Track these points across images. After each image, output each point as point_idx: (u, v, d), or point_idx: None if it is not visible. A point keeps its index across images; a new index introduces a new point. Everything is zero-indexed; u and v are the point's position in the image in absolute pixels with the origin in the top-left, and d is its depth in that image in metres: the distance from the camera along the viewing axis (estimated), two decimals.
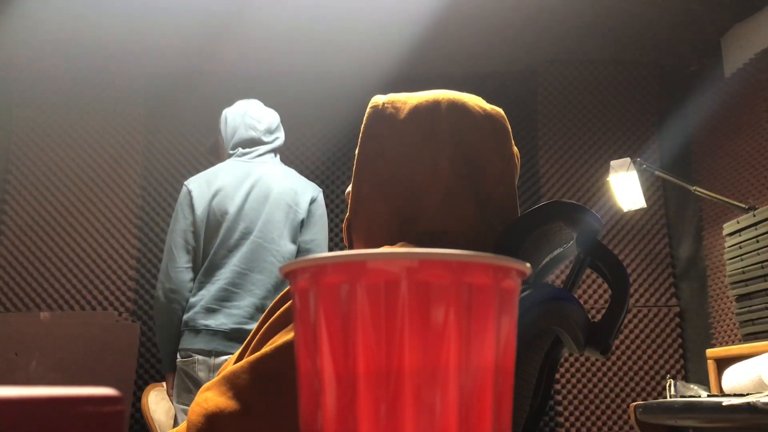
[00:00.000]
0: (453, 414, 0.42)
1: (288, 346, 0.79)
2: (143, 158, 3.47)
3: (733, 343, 2.93)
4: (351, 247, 0.98)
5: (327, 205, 3.59)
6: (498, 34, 3.28)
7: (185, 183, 2.35)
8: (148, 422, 2.57)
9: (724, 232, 2.78)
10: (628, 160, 2.85)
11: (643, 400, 3.09)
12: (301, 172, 3.73)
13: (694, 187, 2.80)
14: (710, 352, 2.54)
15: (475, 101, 1.02)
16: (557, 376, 3.30)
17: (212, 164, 2.58)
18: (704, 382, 2.72)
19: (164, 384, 2.68)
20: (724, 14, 3.10)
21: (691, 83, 3.49)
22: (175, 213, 2.31)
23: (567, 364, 3.30)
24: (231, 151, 2.47)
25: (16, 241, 3.31)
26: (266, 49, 3.38)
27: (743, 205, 2.68)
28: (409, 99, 1.00)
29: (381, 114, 0.96)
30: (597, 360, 3.30)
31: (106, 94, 3.48)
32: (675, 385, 2.51)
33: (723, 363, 2.43)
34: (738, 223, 2.68)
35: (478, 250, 0.80)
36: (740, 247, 2.64)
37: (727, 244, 2.75)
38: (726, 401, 1.85)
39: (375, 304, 0.43)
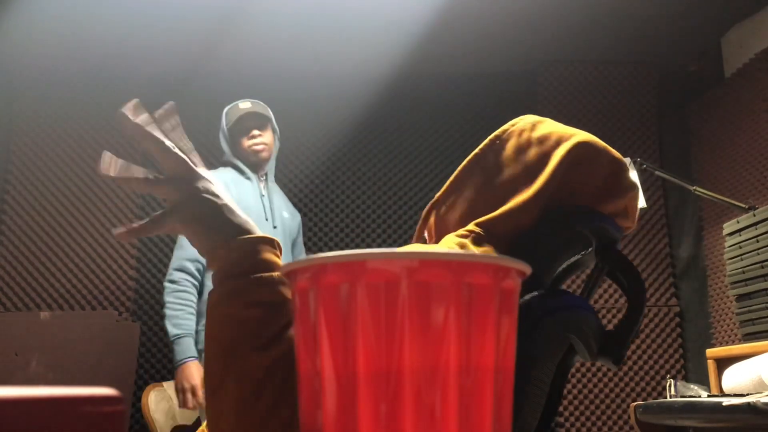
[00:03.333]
0: (453, 414, 0.42)
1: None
2: (143, 158, 3.47)
3: (733, 343, 2.93)
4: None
5: (327, 205, 3.60)
6: (498, 34, 3.28)
7: None
8: (148, 422, 2.57)
9: (724, 232, 2.78)
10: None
11: (643, 400, 3.09)
12: (300, 172, 3.74)
13: (694, 187, 2.80)
14: (710, 352, 2.54)
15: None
16: None
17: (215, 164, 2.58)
18: (704, 382, 2.72)
19: (164, 384, 2.67)
20: (724, 14, 3.10)
21: (691, 83, 3.49)
22: None
23: None
24: None
25: (16, 241, 3.31)
26: (266, 49, 3.38)
27: (743, 205, 2.68)
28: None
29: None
30: None
31: (107, 93, 3.48)
32: (675, 385, 2.51)
33: (723, 363, 2.43)
34: (738, 223, 2.68)
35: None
36: (740, 247, 2.64)
37: (727, 244, 2.75)
38: (726, 401, 1.85)
39: (375, 304, 0.43)
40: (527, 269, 0.48)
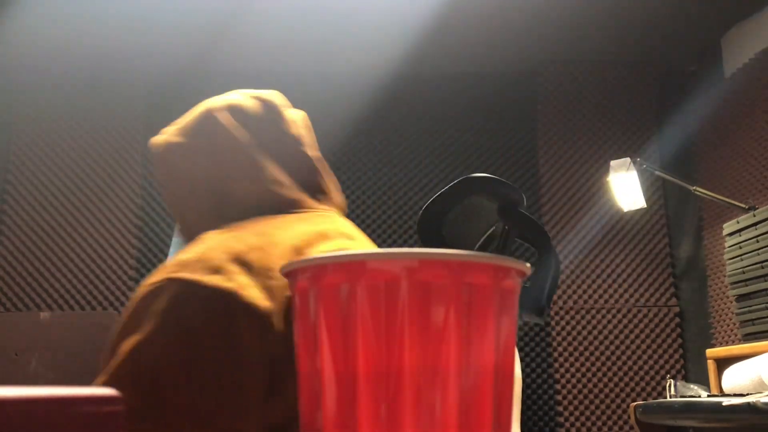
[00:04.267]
0: (453, 414, 0.42)
1: (135, 351, 0.80)
2: (143, 158, 3.47)
3: (733, 343, 2.93)
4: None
5: None
6: (498, 34, 3.28)
7: None
8: None
9: (724, 232, 2.78)
10: (628, 160, 2.85)
11: (643, 400, 3.09)
12: None
13: (694, 187, 2.80)
14: (710, 352, 2.54)
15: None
16: (557, 376, 3.30)
17: None
18: (704, 382, 2.72)
19: None
20: (724, 14, 3.10)
21: (691, 83, 3.49)
22: None
23: (567, 365, 3.30)
24: None
25: (16, 241, 3.31)
26: (266, 49, 3.38)
27: (743, 205, 2.68)
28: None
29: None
30: (597, 360, 3.30)
31: (107, 94, 3.48)
32: (675, 385, 2.51)
33: (723, 363, 2.43)
34: (738, 223, 2.68)
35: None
36: (740, 247, 2.64)
37: (727, 244, 2.75)
38: (726, 401, 1.85)
39: (375, 304, 0.43)
40: (527, 269, 0.48)
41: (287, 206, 1.01)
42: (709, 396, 2.29)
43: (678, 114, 3.55)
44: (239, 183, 1.02)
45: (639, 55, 3.52)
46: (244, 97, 1.12)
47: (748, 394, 1.96)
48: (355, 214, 3.58)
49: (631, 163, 2.84)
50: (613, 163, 2.88)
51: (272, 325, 0.81)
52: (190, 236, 1.01)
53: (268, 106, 1.12)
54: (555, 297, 3.39)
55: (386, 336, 0.42)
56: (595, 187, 3.46)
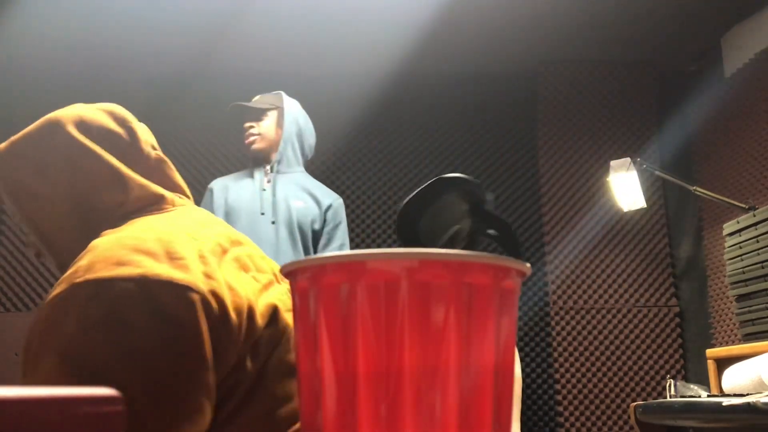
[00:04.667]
0: (453, 414, 0.42)
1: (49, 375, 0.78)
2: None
3: (733, 343, 2.93)
4: None
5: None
6: (498, 34, 3.28)
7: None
8: None
9: (724, 232, 2.78)
10: (628, 160, 2.85)
11: (643, 400, 3.09)
12: None
13: (694, 187, 2.80)
14: (710, 352, 2.54)
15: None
16: (557, 376, 3.30)
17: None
18: (704, 382, 2.72)
19: None
20: (724, 14, 3.10)
21: (691, 83, 3.49)
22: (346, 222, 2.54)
23: (567, 365, 3.30)
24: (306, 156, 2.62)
25: (16, 241, 3.31)
26: (266, 49, 3.38)
27: (743, 205, 2.68)
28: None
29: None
30: (597, 360, 3.30)
31: (106, 94, 3.47)
32: (675, 385, 2.51)
33: (723, 363, 2.43)
34: (738, 223, 2.68)
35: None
36: (740, 247, 2.64)
37: (727, 244, 2.75)
38: (726, 401, 1.85)
39: (375, 304, 0.43)
40: (527, 269, 0.48)
41: (154, 205, 1.03)
42: (709, 396, 2.29)
43: (678, 114, 3.55)
44: (105, 193, 1.01)
45: (639, 55, 3.52)
46: (88, 110, 1.11)
47: (748, 394, 1.96)
48: (355, 214, 3.58)
49: (631, 163, 2.84)
50: (613, 163, 2.88)
51: (197, 291, 0.81)
52: (58, 257, 1.02)
53: (114, 115, 1.11)
54: (555, 297, 3.39)
55: (386, 336, 0.42)
56: (595, 187, 3.46)
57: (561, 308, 3.38)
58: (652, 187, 3.46)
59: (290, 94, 2.69)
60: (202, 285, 0.82)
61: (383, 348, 0.42)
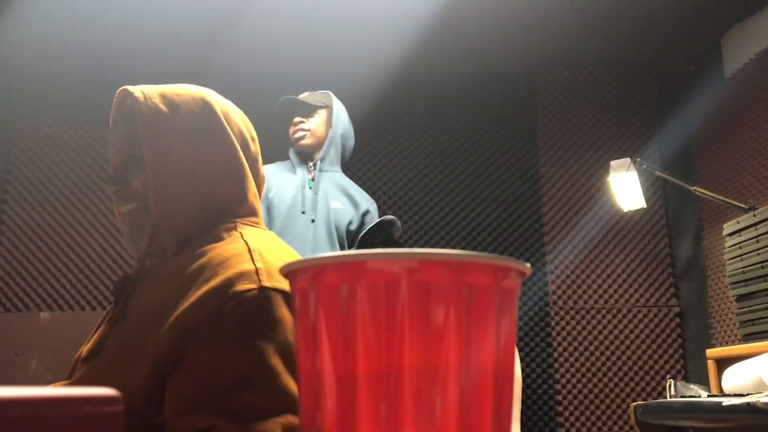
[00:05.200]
0: (453, 414, 0.42)
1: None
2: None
3: (733, 343, 2.93)
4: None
5: None
6: (498, 34, 3.28)
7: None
8: None
9: (724, 232, 2.78)
10: (628, 160, 2.86)
11: (643, 400, 3.09)
12: None
13: (694, 187, 2.80)
14: (710, 352, 2.54)
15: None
16: (557, 376, 3.30)
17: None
18: (704, 382, 2.72)
19: None
20: (724, 14, 3.11)
21: (691, 83, 3.49)
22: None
23: (567, 365, 3.30)
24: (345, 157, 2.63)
25: (16, 241, 3.31)
26: (266, 49, 3.38)
27: (743, 205, 2.68)
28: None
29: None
30: (597, 360, 3.31)
31: (107, 93, 3.47)
32: (675, 385, 2.51)
33: (723, 363, 2.43)
34: (738, 223, 2.68)
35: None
36: (740, 247, 2.64)
37: (727, 244, 2.75)
38: (726, 401, 1.85)
39: (375, 304, 0.43)
40: (527, 269, 0.48)
41: (256, 218, 1.08)
42: (709, 396, 2.29)
43: (678, 114, 3.55)
44: (228, 186, 1.04)
45: (639, 55, 3.52)
46: (226, 101, 1.11)
47: (748, 394, 1.96)
48: None
49: (631, 163, 2.84)
50: (613, 163, 2.88)
51: None
52: (166, 217, 1.00)
53: (246, 123, 1.12)
54: (555, 297, 3.39)
55: (386, 336, 0.42)
56: (595, 187, 3.46)
57: (561, 308, 3.38)
58: (652, 187, 3.46)
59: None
60: None
61: (383, 348, 0.42)
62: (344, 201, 2.51)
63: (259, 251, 0.94)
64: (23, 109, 3.46)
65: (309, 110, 2.55)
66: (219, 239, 0.99)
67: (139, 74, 3.49)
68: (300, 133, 2.52)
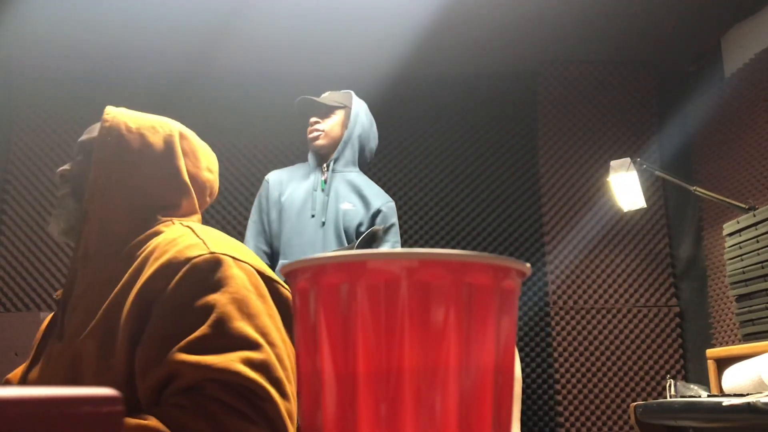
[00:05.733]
0: (453, 414, 0.42)
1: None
2: None
3: (733, 343, 2.93)
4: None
5: None
6: (498, 34, 3.28)
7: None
8: None
9: (724, 232, 2.78)
10: (628, 160, 2.85)
11: (643, 400, 3.09)
12: None
13: (694, 187, 2.80)
14: (710, 352, 2.54)
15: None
16: (557, 376, 3.30)
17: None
18: (704, 382, 2.72)
19: None
20: (724, 14, 3.10)
21: (691, 83, 3.49)
22: (398, 237, 2.47)
23: (567, 365, 3.30)
24: (366, 157, 2.60)
25: (16, 241, 3.31)
26: (266, 49, 3.38)
27: (743, 205, 2.68)
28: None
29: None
30: (597, 360, 3.31)
31: (107, 93, 3.47)
32: (675, 385, 2.51)
33: (723, 363, 2.43)
34: (738, 223, 2.68)
35: None
36: (740, 247, 2.64)
37: (727, 244, 2.75)
38: (726, 401, 1.85)
39: (375, 304, 0.43)
40: (527, 269, 0.48)
41: (193, 215, 1.20)
42: (709, 396, 2.29)
43: (678, 114, 3.55)
44: (164, 195, 1.15)
45: (639, 55, 3.52)
46: (192, 135, 1.24)
47: (748, 394, 1.96)
48: None
49: (631, 163, 2.84)
50: (613, 163, 2.88)
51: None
52: (95, 226, 1.11)
53: (200, 147, 1.25)
54: (555, 297, 3.39)
55: (386, 336, 0.42)
56: (595, 187, 3.46)
57: (561, 308, 3.38)
58: (652, 187, 3.46)
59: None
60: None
61: (383, 348, 0.42)
62: (355, 201, 2.46)
63: (203, 231, 1.07)
64: (23, 109, 3.46)
65: (326, 111, 2.51)
66: (159, 233, 1.09)
67: (139, 74, 3.50)
68: (315, 134, 2.48)
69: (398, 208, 3.61)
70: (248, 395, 0.87)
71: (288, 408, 0.91)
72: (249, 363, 0.88)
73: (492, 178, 3.62)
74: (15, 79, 3.46)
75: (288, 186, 2.48)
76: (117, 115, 1.16)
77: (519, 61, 3.57)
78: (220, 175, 3.16)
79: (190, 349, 0.89)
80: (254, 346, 0.91)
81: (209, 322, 0.91)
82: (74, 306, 1.09)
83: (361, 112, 2.55)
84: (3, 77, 3.44)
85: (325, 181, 2.46)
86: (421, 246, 3.51)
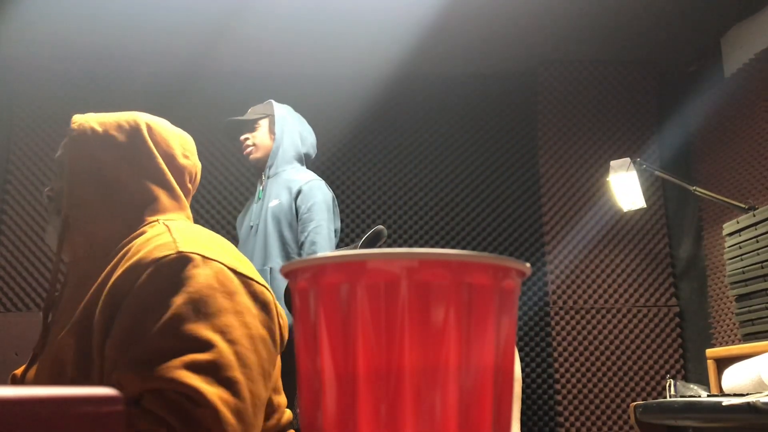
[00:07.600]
0: (453, 414, 0.42)
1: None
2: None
3: (733, 343, 2.93)
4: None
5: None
6: (498, 34, 3.28)
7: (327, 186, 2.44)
8: None
9: (724, 232, 2.78)
10: (628, 160, 2.85)
11: (643, 400, 3.09)
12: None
13: (694, 187, 2.80)
14: (710, 352, 2.54)
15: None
16: (557, 376, 3.30)
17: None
18: (704, 382, 2.72)
19: None
20: (724, 14, 3.10)
21: (691, 83, 3.49)
22: (329, 214, 2.37)
23: (567, 365, 3.30)
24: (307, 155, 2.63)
25: (16, 241, 3.31)
26: (266, 49, 3.38)
27: (743, 205, 2.68)
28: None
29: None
30: (597, 360, 3.30)
31: (106, 93, 3.48)
32: (675, 385, 2.51)
33: (723, 363, 2.42)
34: (738, 223, 2.68)
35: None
36: (740, 247, 2.64)
37: (727, 244, 2.75)
38: (726, 401, 1.85)
39: (375, 304, 0.43)
40: (527, 269, 0.48)
41: (178, 212, 1.19)
42: (709, 396, 2.29)
43: (678, 114, 3.55)
44: (143, 191, 1.15)
45: (639, 55, 3.52)
46: (163, 122, 1.24)
47: (748, 394, 1.96)
48: (355, 213, 3.58)
49: (631, 163, 2.84)
50: (613, 163, 2.88)
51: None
52: (78, 230, 1.12)
53: (174, 134, 1.25)
54: (555, 297, 3.39)
55: (386, 336, 0.42)
56: (595, 187, 3.46)
57: (561, 308, 3.38)
58: (652, 187, 3.46)
59: (290, 94, 2.69)
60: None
61: (383, 348, 0.42)
62: (281, 195, 2.41)
63: (179, 229, 1.06)
64: (23, 109, 3.46)
65: (251, 125, 2.58)
66: (143, 233, 1.10)
67: (138, 74, 3.50)
68: (248, 149, 2.55)
69: (398, 208, 3.62)
70: (182, 402, 0.86)
71: (241, 407, 0.89)
72: (192, 366, 0.88)
73: (492, 178, 3.62)
74: (15, 79, 3.46)
75: (242, 213, 2.65)
76: (83, 121, 1.16)
77: (519, 61, 3.57)
78: (219, 174, 3.18)
79: (135, 358, 0.90)
80: (204, 347, 0.90)
81: (160, 324, 0.91)
82: (63, 308, 1.13)
83: (284, 115, 2.59)
84: (3, 77, 3.44)
85: (263, 189, 2.50)
86: (421, 246, 3.51)
